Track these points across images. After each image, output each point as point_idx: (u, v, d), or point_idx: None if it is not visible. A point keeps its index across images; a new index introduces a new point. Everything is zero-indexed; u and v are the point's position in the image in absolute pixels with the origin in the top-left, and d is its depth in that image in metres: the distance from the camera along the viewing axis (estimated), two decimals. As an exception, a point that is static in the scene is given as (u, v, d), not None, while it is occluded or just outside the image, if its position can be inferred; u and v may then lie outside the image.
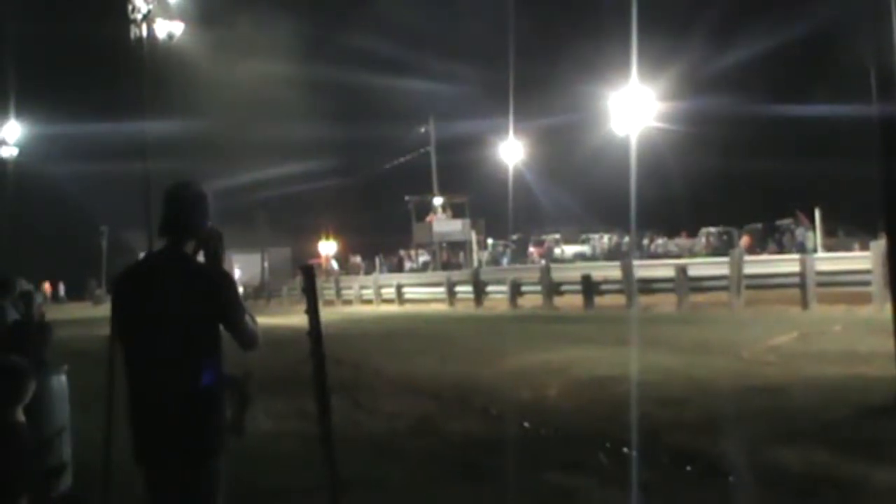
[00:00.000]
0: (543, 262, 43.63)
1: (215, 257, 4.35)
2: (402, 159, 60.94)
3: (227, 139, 57.68)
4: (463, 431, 9.80)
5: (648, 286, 29.16)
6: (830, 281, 24.04)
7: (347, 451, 6.70)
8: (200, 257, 4.35)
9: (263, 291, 56.26)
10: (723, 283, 26.16)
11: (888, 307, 9.71)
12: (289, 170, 61.02)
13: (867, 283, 21.65)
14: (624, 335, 17.47)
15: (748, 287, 25.31)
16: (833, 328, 17.69)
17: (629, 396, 10.51)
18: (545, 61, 60.50)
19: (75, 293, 63.41)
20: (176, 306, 4.13)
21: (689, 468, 7.58)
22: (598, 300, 29.91)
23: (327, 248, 60.62)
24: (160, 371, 4.15)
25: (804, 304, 23.16)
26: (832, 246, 38.20)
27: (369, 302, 43.16)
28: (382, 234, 62.37)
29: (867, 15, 9.95)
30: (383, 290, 43.42)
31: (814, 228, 39.34)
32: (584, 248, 55.44)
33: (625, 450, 8.08)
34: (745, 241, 43.71)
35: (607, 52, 45.36)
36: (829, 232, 40.53)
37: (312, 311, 5.39)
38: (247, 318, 4.30)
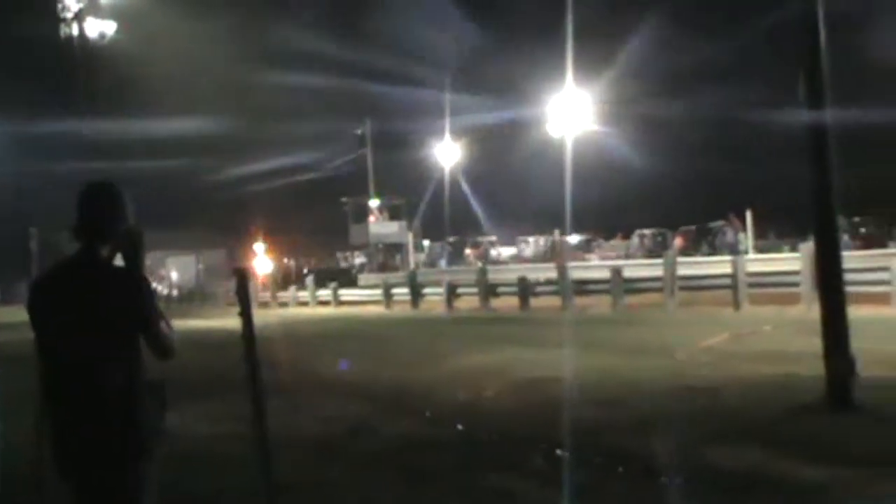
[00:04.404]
0: (480, 264, 43.76)
1: (135, 259, 4.25)
2: (337, 162, 60.79)
3: (162, 139, 57.07)
4: (401, 434, 9.78)
5: (584, 288, 29.35)
6: (761, 282, 24.39)
7: (285, 454, 6.65)
8: (120, 260, 4.25)
9: (198, 293, 55.70)
10: (657, 284, 26.41)
11: (816, 307, 9.85)
12: (224, 170, 60.57)
13: (796, 284, 21.98)
14: (560, 336, 17.53)
15: (681, 288, 25.56)
16: (764, 328, 17.93)
17: (565, 398, 10.56)
18: (487, 63, 60.58)
19: (8, 297, 62.32)
20: (91, 311, 4.05)
21: (625, 469, 7.63)
22: (534, 302, 30.01)
23: (258, 249, 60.07)
24: (77, 376, 4.08)
25: (736, 304, 23.45)
26: (763, 248, 38.80)
27: (305, 304, 42.96)
28: (318, 237, 62.14)
29: (799, 22, 10.09)
30: (319, 293, 43.26)
31: (745, 230, 39.90)
32: (520, 250, 55.72)
33: (562, 451, 8.12)
34: (678, 242, 44.22)
35: (549, 55, 45.63)
36: (760, 234, 41.14)
37: (246, 314, 5.35)
38: (162, 324, 4.21)
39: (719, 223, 45.29)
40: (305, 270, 52.20)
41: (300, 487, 7.36)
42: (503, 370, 13.99)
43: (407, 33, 61.85)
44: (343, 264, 59.04)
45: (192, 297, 53.69)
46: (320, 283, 43.92)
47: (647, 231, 48.81)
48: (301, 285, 45.88)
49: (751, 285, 24.18)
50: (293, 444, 8.82)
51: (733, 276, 24.31)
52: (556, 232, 50.19)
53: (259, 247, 59.22)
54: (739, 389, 10.95)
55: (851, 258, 21.28)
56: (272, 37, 65.44)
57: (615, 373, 12.97)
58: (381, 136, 60.32)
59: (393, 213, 59.37)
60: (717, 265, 28.47)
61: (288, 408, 11.09)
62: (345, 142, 60.47)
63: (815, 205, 9.83)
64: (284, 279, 52.07)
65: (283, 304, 44.30)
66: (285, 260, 61.78)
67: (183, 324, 20.39)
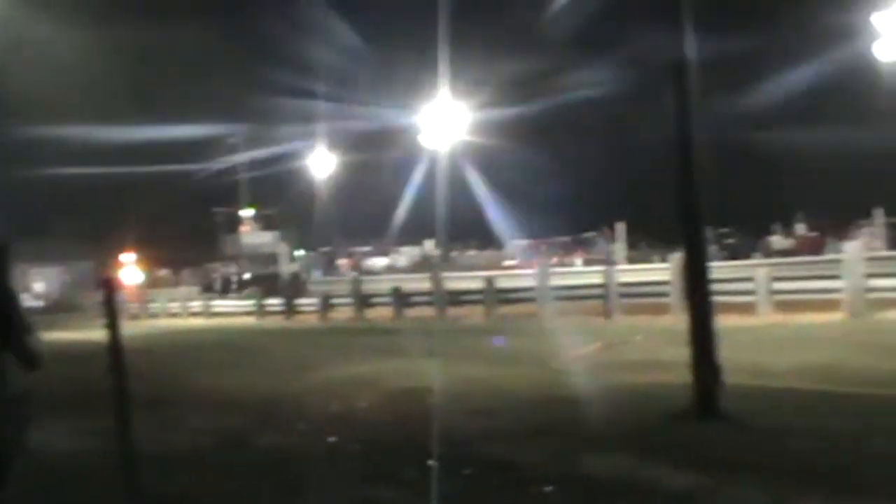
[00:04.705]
0: (354, 274, 43.62)
1: (1, 272, 4.11)
2: (209, 170, 59.86)
3: (22, 142, 55.37)
4: (273, 446, 9.65)
5: (458, 298, 29.49)
6: (633, 292, 24.84)
7: (152, 468, 6.50)
8: None
9: (65, 305, 54.26)
10: (530, 294, 26.67)
11: (685, 317, 10.04)
12: (92, 179, 59.03)
13: (667, 294, 22.44)
14: (434, 347, 17.56)
15: (555, 298, 25.86)
16: (635, 338, 18.24)
17: (439, 407, 10.54)
18: (364, 72, 60.38)
19: None
20: None
21: (498, 478, 7.65)
22: (408, 312, 30.04)
23: (127, 259, 58.80)
24: None
25: (608, 314, 23.84)
26: (634, 258, 39.55)
27: (176, 315, 42.27)
28: (189, 247, 61.11)
29: (666, 39, 10.26)
30: (191, 304, 42.62)
31: (617, 241, 40.64)
32: (394, 261, 55.71)
33: (434, 461, 8.10)
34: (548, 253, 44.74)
35: (425, 65, 45.67)
36: (631, 245, 41.94)
37: (112, 325, 5.22)
38: (30, 337, 4.08)
39: (592, 234, 46.07)
40: (246, 277, 50.41)
41: (168, 502, 7.19)
42: (377, 381, 13.94)
43: (283, 39, 61.30)
44: (215, 276, 58.12)
45: (59, 309, 52.29)
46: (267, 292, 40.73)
47: (521, 241, 49.28)
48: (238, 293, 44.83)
49: (623, 295, 24.61)
50: (162, 457, 8.63)
51: (605, 286, 24.71)
52: (427, 243, 50.40)
53: (128, 257, 58.05)
54: (611, 398, 11.09)
55: (719, 269, 21.81)
56: (140, 41, 64.11)
57: (489, 382, 13.02)
58: (256, 144, 59.60)
59: (267, 223, 58.81)
60: (589, 275, 28.90)
61: (157, 421, 10.85)
62: (218, 150, 59.58)
63: (684, 216, 10.01)
64: (224, 286, 50.08)
65: (154, 316, 43.51)
66: (161, 271, 60.71)
67: (49, 336, 19.90)
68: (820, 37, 40.60)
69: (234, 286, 46.40)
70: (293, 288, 44.02)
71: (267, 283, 44.29)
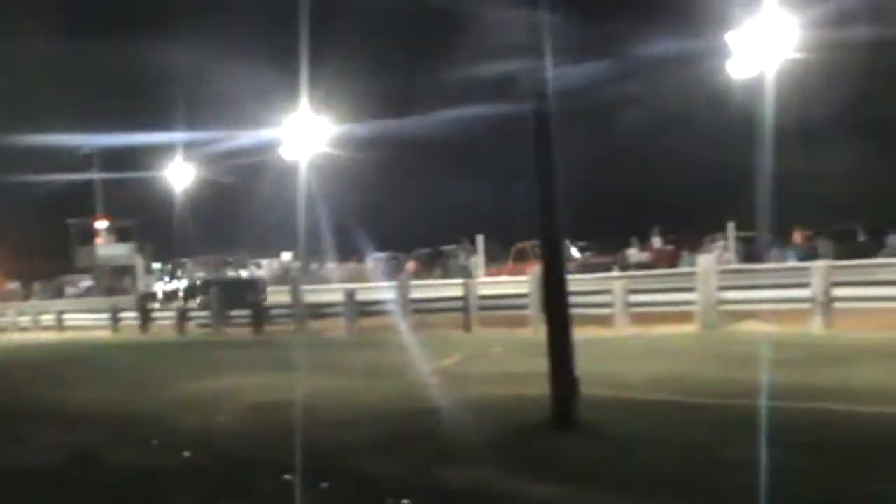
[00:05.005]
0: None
1: None
2: (61, 181, 58.30)
3: None
4: (126, 462, 9.40)
5: (318, 311, 29.32)
6: (492, 305, 25.04)
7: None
8: None
9: None
10: (391, 307, 26.67)
11: (544, 329, 10.13)
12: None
13: (526, 307, 22.66)
14: (294, 360, 17.40)
15: (415, 311, 25.92)
16: (494, 350, 18.35)
17: (298, 421, 10.41)
18: (228, 80, 59.42)
19: None
20: None
21: (356, 490, 7.59)
22: (268, 325, 29.76)
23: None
24: None
25: (467, 327, 23.98)
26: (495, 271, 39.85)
27: (27, 329, 41.03)
28: (41, 259, 59.30)
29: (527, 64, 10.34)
30: (42, 317, 41.43)
31: (477, 254, 40.94)
32: (252, 273, 54.91)
33: (291, 475, 7.99)
34: (412, 266, 44.84)
35: (286, 77, 45.28)
36: (492, 258, 42.27)
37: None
38: None
39: (452, 247, 46.30)
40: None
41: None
42: (235, 395, 13.71)
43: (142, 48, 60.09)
44: (69, 289, 56.41)
45: None
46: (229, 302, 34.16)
47: (381, 254, 49.21)
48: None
49: (482, 308, 24.79)
50: (7, 475, 8.34)
51: (465, 298, 24.86)
52: (284, 255, 49.92)
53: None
54: (470, 410, 11.12)
55: (577, 281, 22.16)
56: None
57: (348, 395, 12.94)
58: (111, 155, 58.23)
59: (122, 235, 57.54)
60: (449, 288, 29.05)
61: (5, 437, 10.52)
62: (70, 161, 58.00)
63: (542, 230, 10.11)
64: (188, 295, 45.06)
65: (3, 330, 42.14)
66: (10, 285, 58.77)
67: None
68: (679, 57, 41.65)
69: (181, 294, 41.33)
70: (145, 301, 41.02)
71: (229, 291, 35.53)
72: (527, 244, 38.67)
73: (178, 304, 37.10)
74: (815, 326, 18.15)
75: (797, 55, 34.46)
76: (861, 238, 37.65)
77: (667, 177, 47.14)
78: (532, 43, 10.07)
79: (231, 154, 54.89)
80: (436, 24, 50.91)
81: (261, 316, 30.71)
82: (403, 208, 55.05)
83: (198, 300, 36.44)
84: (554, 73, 9.93)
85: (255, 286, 39.01)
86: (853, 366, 12.96)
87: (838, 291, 18.41)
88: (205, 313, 33.07)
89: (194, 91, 54.98)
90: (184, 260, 42.78)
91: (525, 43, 10.36)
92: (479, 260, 41.03)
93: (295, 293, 31.09)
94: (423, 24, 53.90)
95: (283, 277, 48.19)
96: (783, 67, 34.41)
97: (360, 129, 49.98)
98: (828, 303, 18.31)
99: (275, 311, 31.12)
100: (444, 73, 53.37)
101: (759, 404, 9.18)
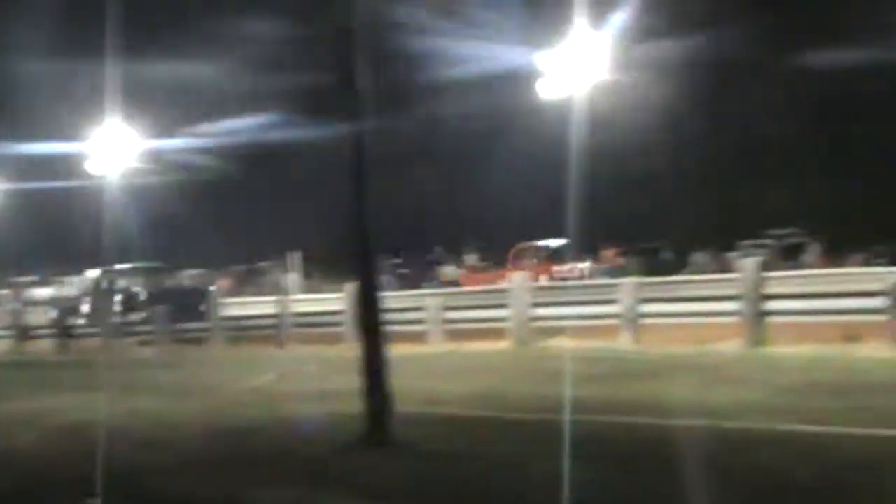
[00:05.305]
0: (14, 305, 41.43)
1: None
2: None
3: None
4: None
5: (128, 329, 28.64)
6: (308, 322, 24.89)
7: None
8: None
9: None
10: (202, 325, 26.24)
11: (359, 346, 10.13)
12: None
13: (341, 324, 22.59)
14: (101, 380, 16.85)
15: (227, 329, 25.56)
16: (309, 367, 18.20)
17: (104, 442, 10.10)
18: (35, 93, 57.14)
19: None
20: None
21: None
22: (75, 344, 28.90)
23: None
24: None
25: (281, 344, 23.78)
26: (309, 288, 39.73)
27: None
28: None
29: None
30: None
31: (292, 271, 40.73)
32: (59, 290, 53.04)
33: (95, 497, 7.75)
34: (225, 283, 44.25)
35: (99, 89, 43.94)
36: (307, 274, 42.11)
37: None
38: None
39: (267, 264, 45.91)
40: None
41: None
42: (39, 416, 13.22)
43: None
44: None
45: None
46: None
47: (192, 272, 48.35)
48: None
49: (298, 325, 24.62)
50: None
51: (279, 316, 24.67)
52: (89, 272, 48.41)
53: None
54: (284, 429, 11.03)
55: (392, 298, 22.22)
56: None
57: (158, 415, 12.66)
58: None
59: None
60: (263, 305, 28.75)
61: None
62: None
63: (356, 246, 10.12)
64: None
65: None
66: None
67: None
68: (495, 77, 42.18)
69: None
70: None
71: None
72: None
73: None
74: (624, 342, 18.63)
75: (607, 77, 35.54)
76: (666, 255, 39.01)
77: (482, 196, 47.72)
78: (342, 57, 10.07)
79: (37, 167, 52.94)
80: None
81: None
82: (218, 225, 54.07)
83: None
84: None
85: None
86: (657, 380, 13.38)
87: (645, 308, 18.99)
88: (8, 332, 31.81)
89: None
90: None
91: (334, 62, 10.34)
92: (295, 276, 40.77)
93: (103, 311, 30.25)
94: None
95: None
96: (594, 88, 35.29)
97: (178, 143, 48.91)
98: (635, 319, 18.86)
99: (83, 330, 30.19)
100: (261, 84, 52.56)
101: (567, 419, 9.37)
